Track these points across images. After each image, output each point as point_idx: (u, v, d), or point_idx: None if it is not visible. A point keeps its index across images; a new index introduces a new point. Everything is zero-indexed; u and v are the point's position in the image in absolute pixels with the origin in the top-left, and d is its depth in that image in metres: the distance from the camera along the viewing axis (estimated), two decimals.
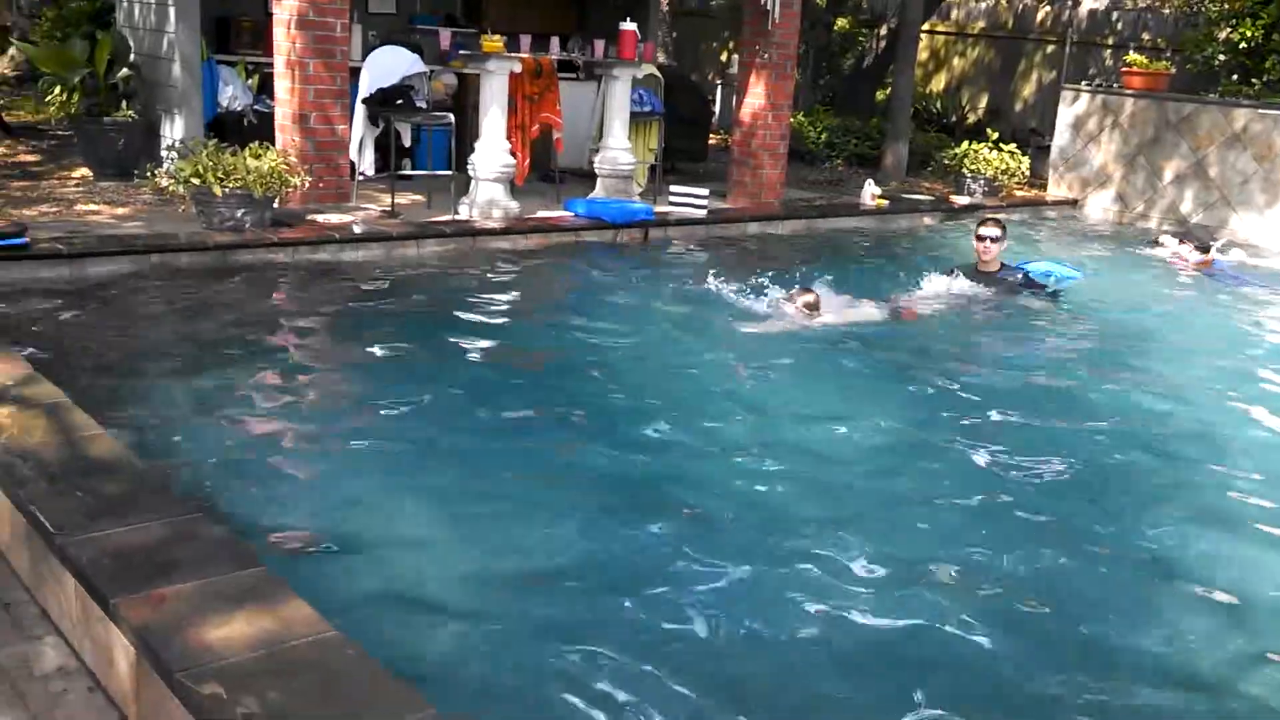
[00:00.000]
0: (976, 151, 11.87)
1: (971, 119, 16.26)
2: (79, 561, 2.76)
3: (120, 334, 5.57)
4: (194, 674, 2.35)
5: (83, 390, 4.38)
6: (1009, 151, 11.91)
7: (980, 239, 7.52)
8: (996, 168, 11.71)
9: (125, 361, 5.22)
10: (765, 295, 6.73)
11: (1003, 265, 7.59)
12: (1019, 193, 12.41)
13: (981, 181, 11.71)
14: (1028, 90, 16.11)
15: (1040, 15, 15.87)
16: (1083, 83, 12.44)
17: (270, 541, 3.50)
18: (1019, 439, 5.05)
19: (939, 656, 3.26)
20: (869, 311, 6.89)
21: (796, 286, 6.80)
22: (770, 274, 7.02)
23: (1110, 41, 14.88)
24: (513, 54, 8.64)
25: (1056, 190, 12.45)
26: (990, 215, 8.40)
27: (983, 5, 16.77)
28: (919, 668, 3.19)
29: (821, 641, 3.30)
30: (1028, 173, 12.23)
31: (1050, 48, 15.59)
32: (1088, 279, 8.18)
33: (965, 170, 11.79)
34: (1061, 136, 12.39)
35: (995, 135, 12.55)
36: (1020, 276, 7.58)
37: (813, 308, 6.53)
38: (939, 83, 17.17)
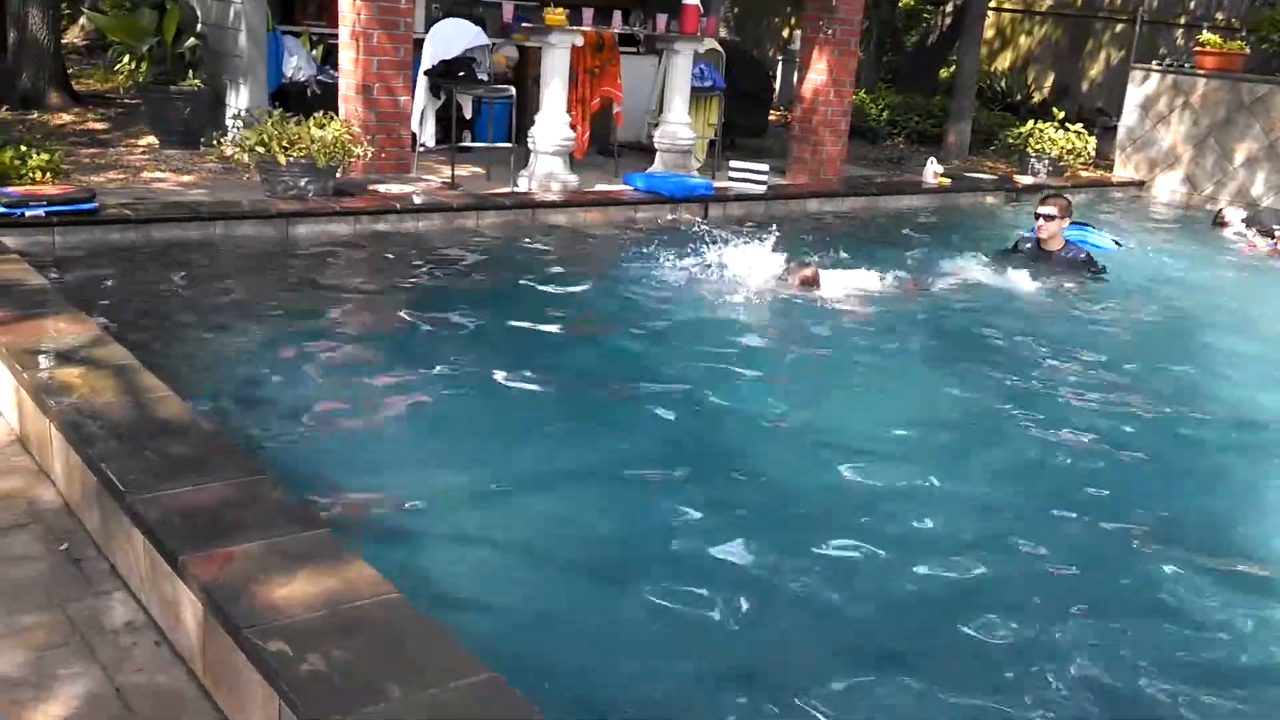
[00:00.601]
0: (1042, 131, 11.69)
1: (1037, 98, 16.03)
2: (148, 519, 2.82)
3: (185, 299, 5.66)
4: (260, 631, 2.39)
5: (150, 352, 4.46)
6: (1075, 131, 11.72)
7: (1037, 217, 7.44)
8: (1062, 147, 11.53)
9: (190, 325, 5.29)
10: (779, 269, 6.61)
11: (1066, 243, 7.49)
12: (1084, 173, 12.22)
13: (1046, 161, 11.54)
14: (1095, 69, 15.84)
15: None
16: (1153, 62, 12.18)
17: (329, 504, 3.54)
18: (1076, 421, 4.97)
19: (1009, 636, 3.23)
20: (871, 284, 6.72)
21: (795, 261, 6.67)
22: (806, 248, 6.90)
23: (1182, 21, 14.59)
24: (575, 27, 8.63)
25: (1123, 171, 12.24)
26: (1052, 192, 8.27)
27: None
28: (986, 650, 3.17)
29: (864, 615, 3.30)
30: (1093, 153, 12.03)
31: (1120, 26, 15.31)
32: (1151, 259, 8.05)
33: (1030, 150, 11.62)
34: (1129, 117, 12.17)
35: (1061, 114, 12.35)
36: (1083, 255, 7.48)
37: (810, 282, 6.38)
38: (1004, 61, 16.93)
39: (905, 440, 4.65)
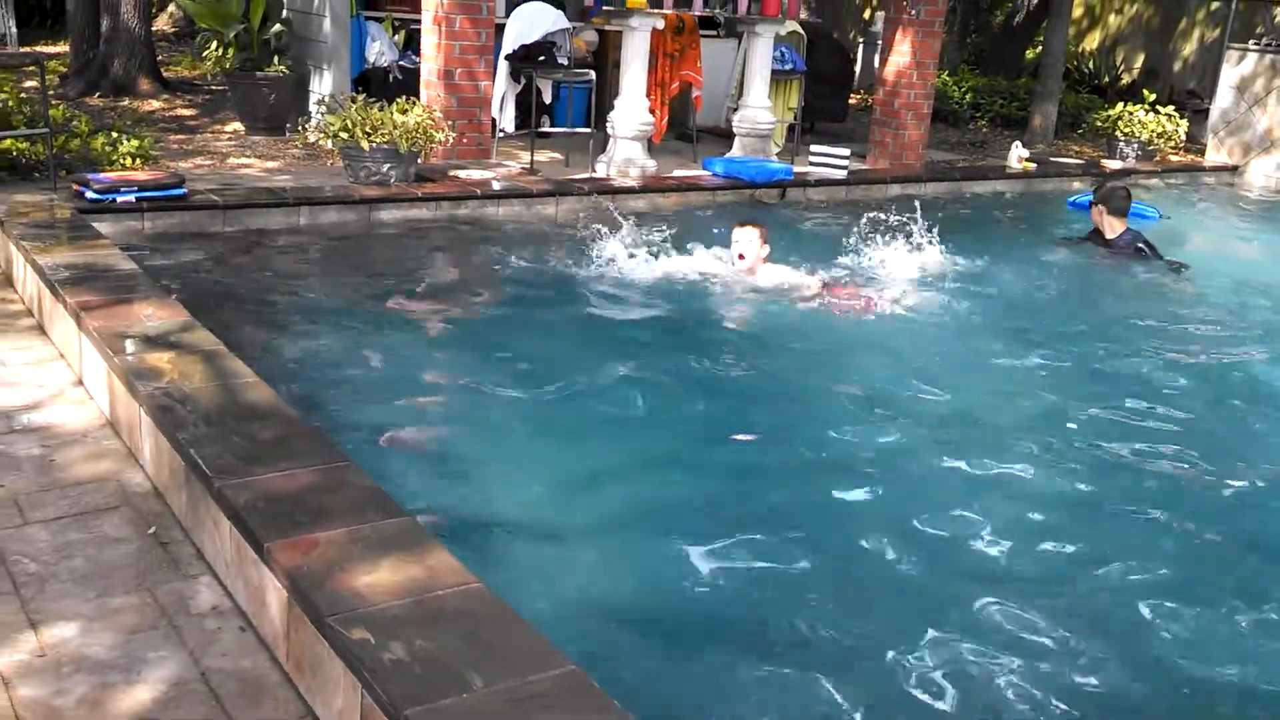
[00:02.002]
0: (1131, 114, 11.39)
1: (1126, 79, 15.65)
2: (235, 504, 2.85)
3: (270, 284, 5.74)
4: (344, 619, 2.40)
5: (236, 337, 4.53)
6: (1166, 114, 11.39)
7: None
8: (1152, 131, 11.22)
9: (275, 310, 5.37)
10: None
11: (1127, 230, 7.36)
12: (1174, 158, 11.90)
13: (1135, 145, 11.24)
14: (1187, 49, 15.43)
15: None
16: (1249, 42, 11.81)
17: (410, 492, 3.56)
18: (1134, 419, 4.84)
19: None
20: (802, 283, 6.32)
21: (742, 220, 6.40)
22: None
23: None
24: (656, 10, 8.58)
25: (1215, 155, 11.90)
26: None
27: None
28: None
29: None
30: (1184, 137, 11.70)
31: (1214, 5, 14.88)
32: (1240, 247, 7.83)
33: (1118, 133, 11.33)
34: (1223, 99, 11.81)
35: (1152, 96, 12.03)
36: (1140, 243, 7.33)
37: (744, 254, 6.14)
38: (1092, 41, 16.55)
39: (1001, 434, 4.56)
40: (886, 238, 6.78)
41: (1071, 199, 9.51)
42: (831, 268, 6.54)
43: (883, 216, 6.89)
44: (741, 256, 6.20)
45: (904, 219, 6.84)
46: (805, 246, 6.94)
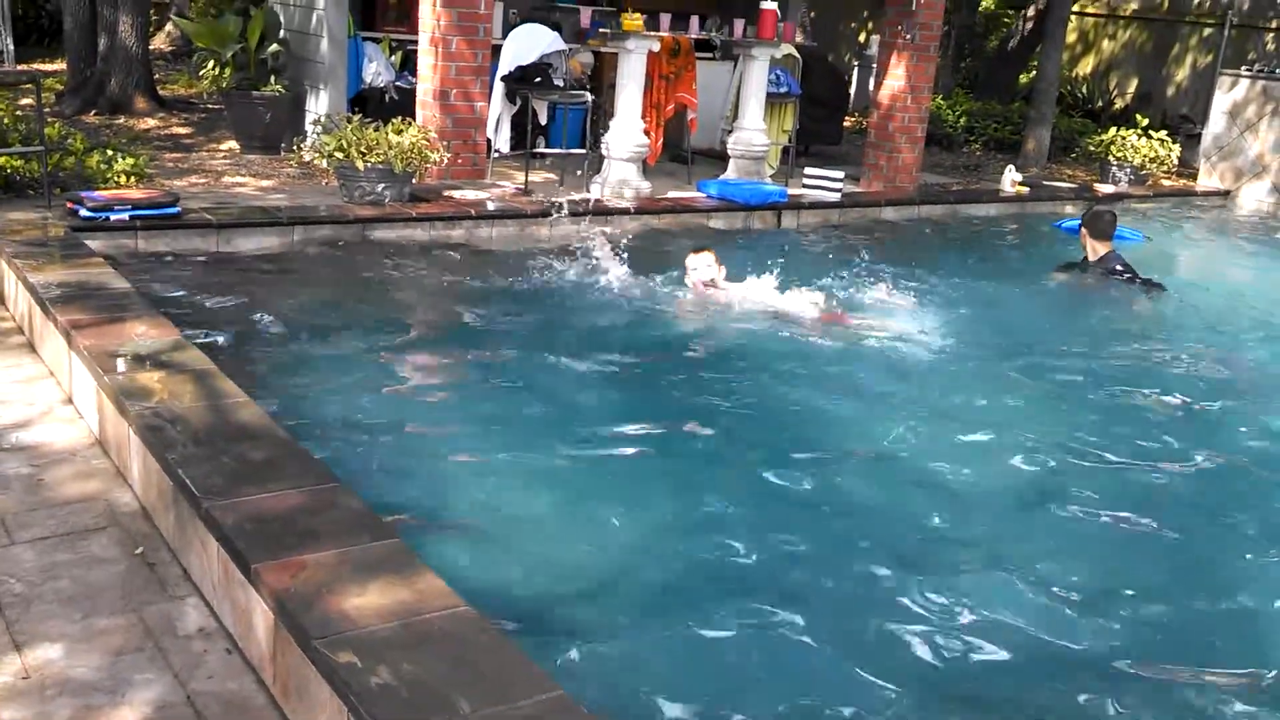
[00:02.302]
0: (1124, 138, 11.43)
1: (1119, 104, 15.73)
2: (223, 525, 2.84)
3: (263, 303, 5.72)
4: (330, 642, 2.39)
5: (227, 356, 4.52)
6: (1159, 139, 11.44)
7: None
8: (1144, 155, 11.26)
9: (267, 329, 5.35)
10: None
11: (1111, 252, 7.37)
12: (1167, 182, 11.94)
13: (1128, 169, 11.28)
14: (1180, 75, 15.51)
15: None
16: (1242, 68, 11.88)
17: (396, 514, 3.54)
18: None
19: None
20: (780, 304, 6.30)
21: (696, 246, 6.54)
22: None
23: (1274, 25, 14.21)
24: (652, 33, 8.61)
25: (1207, 180, 11.94)
26: (1100, 207, 8.06)
27: None
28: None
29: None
30: (1177, 161, 11.75)
31: (1207, 30, 14.97)
32: (1231, 271, 7.87)
33: (1111, 157, 11.37)
34: (1215, 124, 11.87)
35: (1145, 121, 12.08)
36: (1118, 265, 7.33)
37: (704, 278, 6.23)
38: (1086, 66, 16.63)
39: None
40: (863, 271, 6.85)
41: (1057, 222, 9.57)
42: (809, 285, 6.56)
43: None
44: (711, 283, 6.29)
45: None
46: (799, 268, 6.95)
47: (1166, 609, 3.48)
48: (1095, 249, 7.41)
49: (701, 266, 6.34)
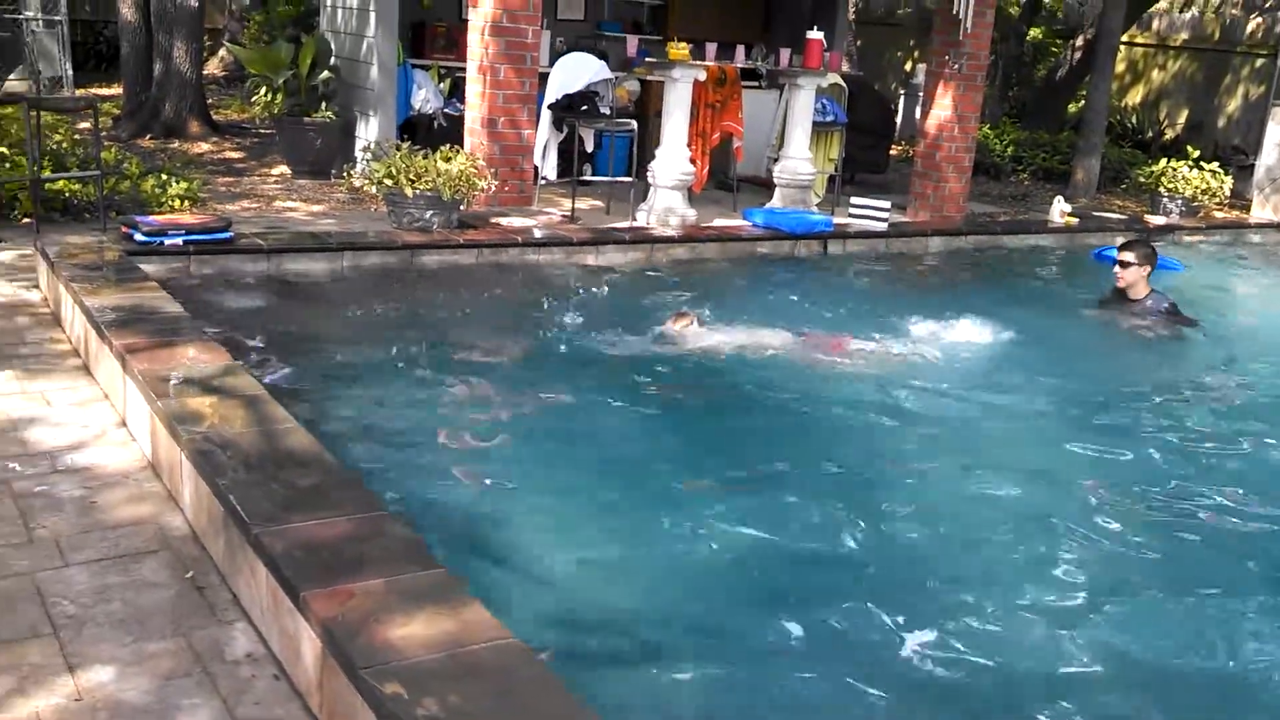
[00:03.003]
0: (1175, 169, 11.28)
1: (1169, 134, 15.59)
2: (272, 552, 2.86)
3: (312, 328, 5.79)
4: (377, 671, 2.40)
5: (279, 382, 4.57)
6: (1210, 170, 11.30)
7: (1115, 263, 7.18)
8: (1196, 187, 11.11)
9: (317, 354, 5.41)
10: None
11: (1152, 292, 7.20)
12: (1219, 214, 11.80)
13: (1179, 201, 11.13)
14: (1232, 105, 15.36)
15: (1250, 27, 15.10)
16: None
17: (442, 543, 3.56)
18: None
19: None
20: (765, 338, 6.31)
21: (675, 313, 6.43)
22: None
23: None
24: (698, 62, 8.65)
25: (1261, 212, 11.79)
26: (1134, 238, 7.90)
27: (1186, 16, 16.05)
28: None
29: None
30: (1229, 193, 11.60)
31: (1260, 61, 14.81)
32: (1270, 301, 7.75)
33: (1162, 189, 11.24)
34: (1269, 155, 11.73)
35: (1196, 153, 11.95)
36: (1166, 305, 7.19)
37: (685, 326, 6.17)
38: (1135, 96, 16.51)
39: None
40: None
41: (1096, 250, 9.41)
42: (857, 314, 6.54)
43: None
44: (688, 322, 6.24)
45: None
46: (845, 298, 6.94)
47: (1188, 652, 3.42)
48: (1143, 283, 7.25)
49: (677, 326, 6.23)
